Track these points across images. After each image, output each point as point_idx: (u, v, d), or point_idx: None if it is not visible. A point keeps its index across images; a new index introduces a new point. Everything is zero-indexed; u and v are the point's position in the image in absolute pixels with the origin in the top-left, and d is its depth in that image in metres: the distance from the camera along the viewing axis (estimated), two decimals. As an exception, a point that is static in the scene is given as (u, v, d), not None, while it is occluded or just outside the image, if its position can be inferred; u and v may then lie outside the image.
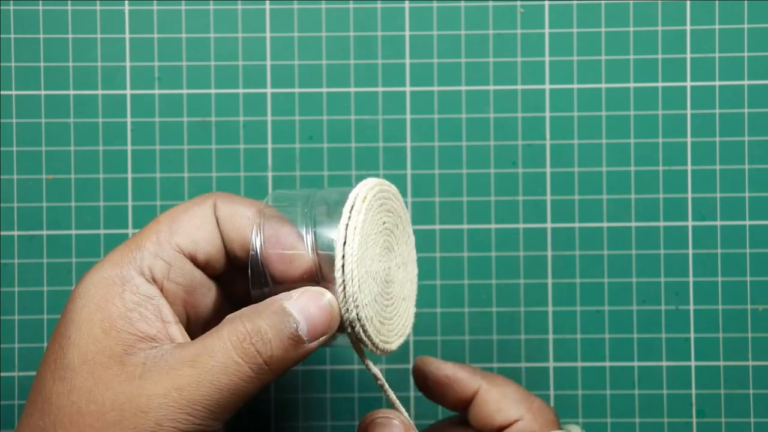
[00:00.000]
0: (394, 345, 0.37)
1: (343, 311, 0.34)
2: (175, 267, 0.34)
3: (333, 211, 0.35)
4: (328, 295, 0.33)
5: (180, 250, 0.34)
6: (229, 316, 0.33)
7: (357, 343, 0.35)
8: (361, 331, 0.34)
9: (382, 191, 0.36)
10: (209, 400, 0.31)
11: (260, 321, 0.32)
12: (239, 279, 0.36)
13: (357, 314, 0.34)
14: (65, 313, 0.33)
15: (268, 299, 0.34)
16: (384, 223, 0.36)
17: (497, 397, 0.39)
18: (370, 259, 0.35)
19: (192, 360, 0.32)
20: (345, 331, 0.34)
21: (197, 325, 0.36)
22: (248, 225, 0.35)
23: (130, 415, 0.31)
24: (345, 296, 0.34)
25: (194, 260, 0.35)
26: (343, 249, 0.34)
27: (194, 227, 0.35)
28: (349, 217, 0.34)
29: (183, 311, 0.35)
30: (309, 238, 0.35)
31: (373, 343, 0.35)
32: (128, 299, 0.33)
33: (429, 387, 0.40)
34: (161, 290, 0.34)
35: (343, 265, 0.34)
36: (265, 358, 0.32)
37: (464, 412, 0.40)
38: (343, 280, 0.34)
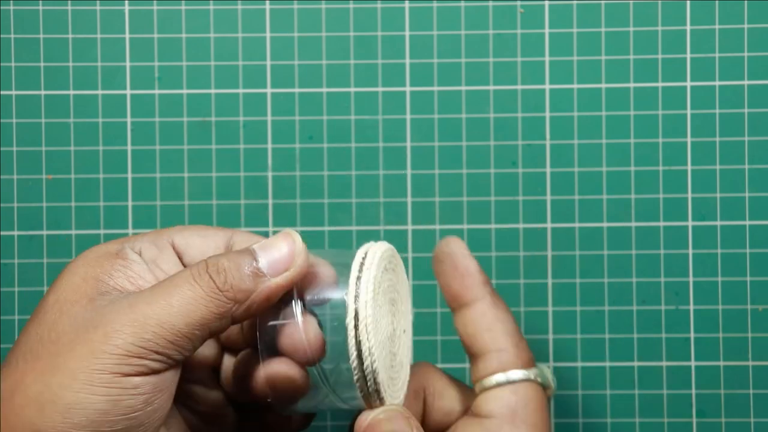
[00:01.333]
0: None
1: (358, 371, 0.33)
2: (164, 255, 0.35)
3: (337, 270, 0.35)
4: (294, 234, 0.34)
5: (173, 246, 0.35)
6: None
7: (367, 398, 0.34)
8: (373, 383, 0.33)
9: (388, 250, 0.36)
10: (172, 327, 0.31)
11: (223, 257, 0.33)
12: None
13: (374, 367, 0.33)
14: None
15: None
16: (390, 280, 0.36)
17: (492, 319, 0.39)
18: (381, 315, 0.34)
19: (155, 289, 0.32)
20: (355, 383, 0.34)
21: None
22: None
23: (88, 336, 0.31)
24: (361, 349, 0.33)
25: (181, 259, 0.35)
26: (356, 302, 0.33)
27: (201, 240, 0.36)
28: (360, 271, 0.34)
29: None
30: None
31: (381, 400, 0.34)
32: (117, 263, 0.33)
33: (444, 268, 0.39)
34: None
35: (356, 310, 0.33)
36: (219, 284, 0.32)
37: (453, 311, 0.40)
38: (356, 327, 0.33)
